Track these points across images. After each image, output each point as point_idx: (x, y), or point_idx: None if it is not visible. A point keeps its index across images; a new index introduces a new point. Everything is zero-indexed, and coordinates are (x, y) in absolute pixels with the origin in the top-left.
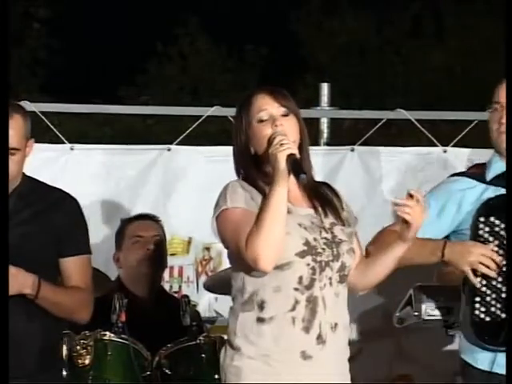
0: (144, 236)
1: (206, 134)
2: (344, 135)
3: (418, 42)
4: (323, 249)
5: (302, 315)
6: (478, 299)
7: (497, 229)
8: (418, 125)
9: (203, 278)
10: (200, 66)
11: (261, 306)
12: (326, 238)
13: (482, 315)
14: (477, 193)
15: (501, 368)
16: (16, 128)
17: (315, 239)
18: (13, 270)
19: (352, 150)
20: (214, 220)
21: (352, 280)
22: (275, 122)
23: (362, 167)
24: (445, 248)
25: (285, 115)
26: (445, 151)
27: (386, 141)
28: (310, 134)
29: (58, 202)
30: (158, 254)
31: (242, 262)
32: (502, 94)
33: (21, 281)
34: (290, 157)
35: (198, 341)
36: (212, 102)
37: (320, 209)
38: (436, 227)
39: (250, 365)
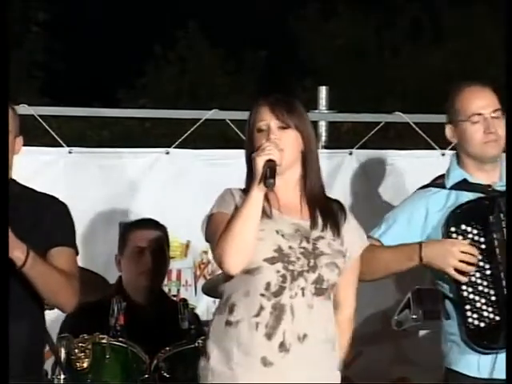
0: (144, 247)
1: (205, 137)
2: (342, 138)
3: (417, 44)
4: (298, 258)
5: (266, 321)
6: (468, 307)
7: (470, 235)
8: (417, 128)
9: (201, 282)
10: (199, 69)
11: (231, 310)
12: (304, 248)
13: (476, 322)
14: (441, 201)
15: (501, 373)
16: None
17: (291, 247)
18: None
19: (350, 154)
20: (203, 225)
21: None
22: (270, 133)
23: (361, 170)
24: (421, 251)
25: (283, 128)
26: (443, 154)
27: (384, 144)
28: None
29: (48, 204)
30: (157, 266)
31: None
32: (477, 106)
33: (12, 242)
34: (269, 162)
35: (197, 344)
36: (210, 105)
37: (315, 220)
38: (407, 239)
39: (215, 368)
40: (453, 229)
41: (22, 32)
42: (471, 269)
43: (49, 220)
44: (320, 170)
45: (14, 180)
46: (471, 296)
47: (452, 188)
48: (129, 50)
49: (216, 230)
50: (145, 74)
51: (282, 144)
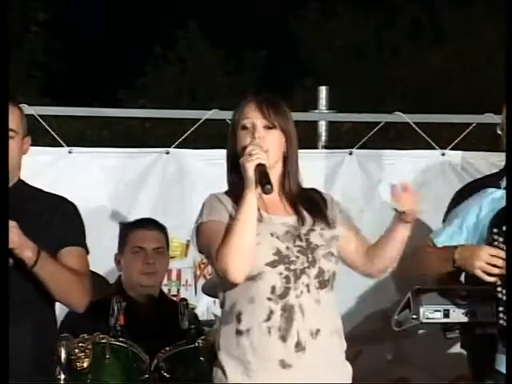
0: (145, 248)
1: (205, 137)
2: (342, 138)
3: (417, 44)
4: (297, 257)
5: (278, 324)
6: (501, 308)
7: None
8: (417, 128)
9: (201, 282)
10: (199, 69)
11: (238, 318)
12: (300, 246)
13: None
14: (495, 201)
15: None
16: (12, 113)
17: (288, 248)
18: (13, 226)
19: (350, 154)
20: (193, 234)
21: (364, 268)
22: (255, 132)
23: (361, 170)
24: (454, 254)
25: (268, 127)
26: (443, 154)
27: (384, 144)
28: (308, 137)
29: (57, 204)
30: (158, 266)
31: (218, 274)
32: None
33: (22, 241)
34: (259, 167)
35: (197, 344)
36: (210, 105)
37: (301, 215)
38: (459, 239)
39: (233, 378)
40: (495, 230)
41: (22, 32)
42: (498, 271)
43: (58, 220)
44: (298, 170)
45: (23, 180)
46: (505, 297)
47: (506, 188)
48: (129, 50)
49: (212, 239)
50: (145, 74)
51: (267, 145)
